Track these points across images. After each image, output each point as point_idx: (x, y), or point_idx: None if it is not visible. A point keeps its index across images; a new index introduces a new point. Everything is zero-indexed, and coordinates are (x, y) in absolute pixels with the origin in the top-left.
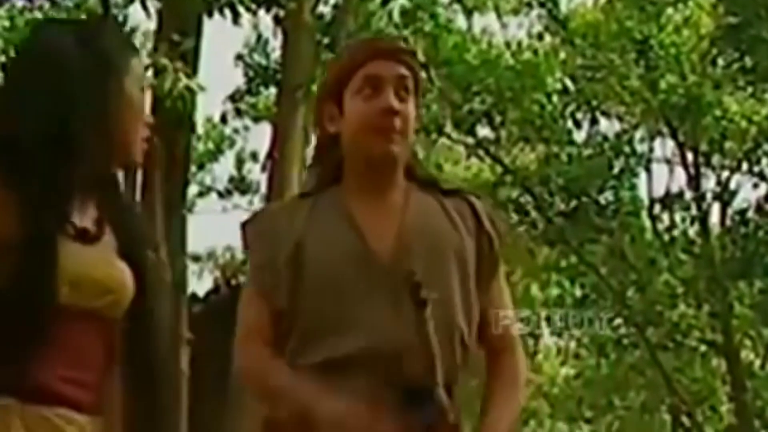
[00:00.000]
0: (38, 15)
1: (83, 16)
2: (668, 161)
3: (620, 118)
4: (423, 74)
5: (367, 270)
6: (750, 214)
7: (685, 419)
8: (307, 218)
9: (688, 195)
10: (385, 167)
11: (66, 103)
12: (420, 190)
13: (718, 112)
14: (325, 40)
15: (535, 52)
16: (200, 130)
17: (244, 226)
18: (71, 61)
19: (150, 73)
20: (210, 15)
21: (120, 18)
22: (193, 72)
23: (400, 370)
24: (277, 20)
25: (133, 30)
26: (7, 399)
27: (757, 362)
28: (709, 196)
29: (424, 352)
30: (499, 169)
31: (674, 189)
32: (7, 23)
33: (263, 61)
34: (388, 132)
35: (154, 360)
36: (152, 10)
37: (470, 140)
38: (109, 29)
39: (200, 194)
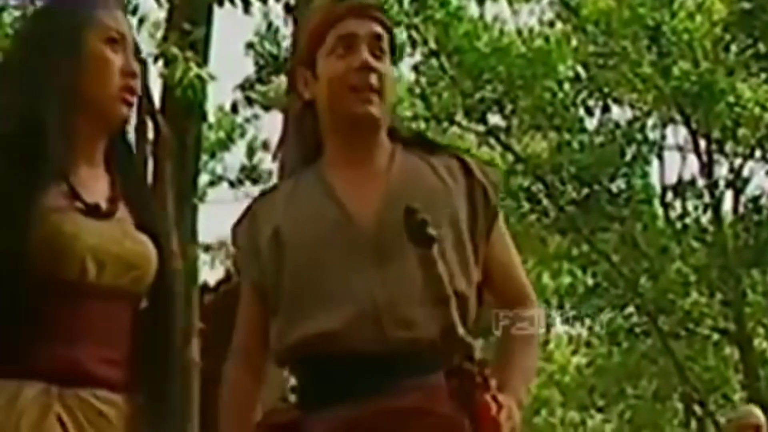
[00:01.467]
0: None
1: None
2: (681, 148)
3: (632, 106)
4: (396, 34)
5: (350, 239)
6: (763, 201)
7: (697, 408)
8: (288, 198)
9: (701, 182)
10: (364, 128)
11: (30, 79)
12: (405, 150)
13: (731, 99)
14: None
15: (547, 39)
16: (211, 119)
17: (234, 228)
18: (27, 38)
19: (160, 62)
20: (220, 4)
21: (130, 7)
22: (203, 61)
23: (391, 334)
24: (287, 8)
25: (143, 19)
26: (44, 384)
27: None
28: (721, 183)
29: (433, 297)
30: (510, 157)
31: (687, 176)
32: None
33: (274, 50)
34: (365, 90)
35: (171, 341)
36: None
37: (481, 128)
38: None
39: (211, 183)
